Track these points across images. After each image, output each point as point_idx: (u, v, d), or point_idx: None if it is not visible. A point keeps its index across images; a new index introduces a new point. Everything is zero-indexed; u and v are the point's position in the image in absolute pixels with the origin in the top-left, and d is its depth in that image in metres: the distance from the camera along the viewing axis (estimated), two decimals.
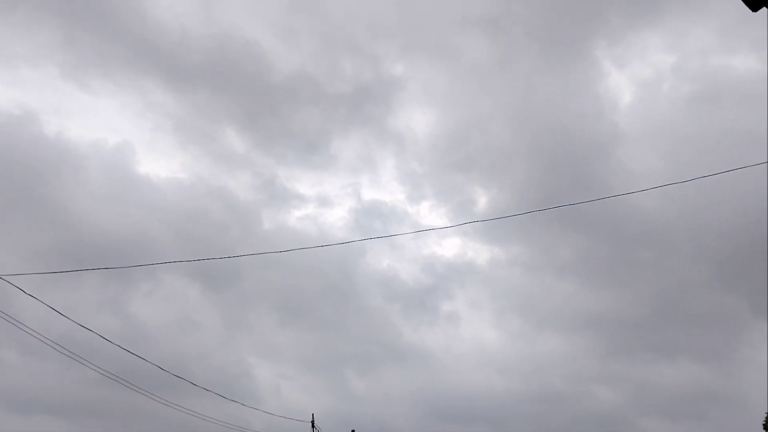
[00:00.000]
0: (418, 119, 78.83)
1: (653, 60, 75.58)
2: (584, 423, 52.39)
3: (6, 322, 19.52)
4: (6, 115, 57.63)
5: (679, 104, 66.87)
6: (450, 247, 77.25)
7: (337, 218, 73.15)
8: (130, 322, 51.10)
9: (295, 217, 69.72)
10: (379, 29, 73.77)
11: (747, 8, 7.75)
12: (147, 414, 39.30)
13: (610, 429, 52.23)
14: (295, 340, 60.70)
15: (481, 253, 72.81)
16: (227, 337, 58.17)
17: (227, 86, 72.30)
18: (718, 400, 52.70)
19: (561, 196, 62.44)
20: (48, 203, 55.88)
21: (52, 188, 56.59)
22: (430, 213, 74.38)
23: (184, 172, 72.86)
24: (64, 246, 53.63)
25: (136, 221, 60.05)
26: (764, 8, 7.79)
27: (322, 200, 73.74)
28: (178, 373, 26.62)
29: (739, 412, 46.83)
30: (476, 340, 64.38)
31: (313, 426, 36.30)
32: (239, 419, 32.37)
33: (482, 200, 71.06)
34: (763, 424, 33.96)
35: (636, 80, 75.66)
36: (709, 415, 51.11)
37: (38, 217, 54.22)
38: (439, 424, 53.57)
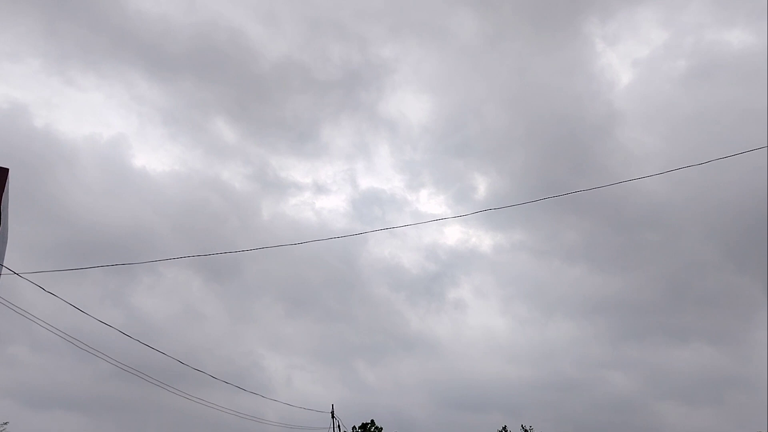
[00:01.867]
0: (410, 104, 77.92)
1: (646, 36, 74.70)
2: (601, 409, 51.89)
3: (16, 321, 18.79)
4: None
5: (674, 82, 66.24)
6: (451, 235, 76.51)
7: (335, 206, 72.29)
8: (133, 315, 50.16)
9: (293, 206, 68.79)
10: (365, 10, 72.52)
11: None
12: (160, 407, 38.63)
13: (628, 414, 51.69)
14: (302, 331, 59.92)
15: (483, 239, 72.10)
16: (234, 328, 57.34)
17: (214, 76, 71.23)
18: (734, 384, 52.30)
19: (561, 180, 61.91)
20: (44, 197, 54.77)
21: (47, 182, 55.43)
22: (429, 200, 73.51)
23: (176, 164, 71.77)
24: (65, 241, 52.63)
25: (134, 214, 58.99)
26: None
27: (318, 188, 72.84)
28: (188, 366, 25.98)
29: (757, 396, 46.31)
30: (484, 327, 63.80)
31: (332, 416, 35.43)
32: (252, 410, 31.69)
33: (481, 187, 70.23)
34: None
35: (629, 58, 75.01)
36: (727, 398, 50.65)
37: (36, 211, 53.04)
38: (453, 413, 52.96)
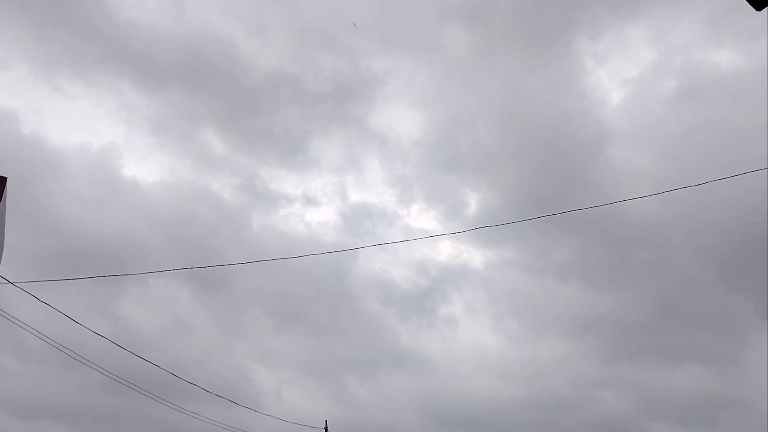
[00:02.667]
0: (401, 118, 77.44)
1: (636, 56, 74.92)
2: (592, 428, 51.52)
3: (2, 329, 18.52)
4: None
5: (664, 102, 66.59)
6: (443, 250, 76.12)
7: (325, 219, 71.93)
8: (121, 325, 49.39)
9: (284, 219, 68.34)
10: (356, 23, 72.29)
11: (749, 6, 7.46)
12: (148, 418, 38.00)
13: None
14: (292, 344, 59.25)
15: (475, 255, 71.82)
16: (222, 341, 56.59)
17: (204, 87, 70.59)
18: (727, 405, 52.06)
19: (551, 197, 61.81)
20: (33, 205, 53.89)
21: (35, 190, 54.60)
22: (420, 215, 73.25)
23: (166, 174, 71.00)
24: (53, 249, 51.84)
25: (123, 224, 58.31)
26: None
27: (308, 201, 72.41)
28: (180, 378, 25.63)
29: (750, 417, 46.22)
30: (475, 344, 63.34)
31: None
32: (242, 424, 31.32)
33: (473, 202, 70.07)
34: None
35: (619, 77, 75.33)
36: (720, 419, 50.43)
37: (24, 219, 52.20)
38: (444, 429, 52.45)
